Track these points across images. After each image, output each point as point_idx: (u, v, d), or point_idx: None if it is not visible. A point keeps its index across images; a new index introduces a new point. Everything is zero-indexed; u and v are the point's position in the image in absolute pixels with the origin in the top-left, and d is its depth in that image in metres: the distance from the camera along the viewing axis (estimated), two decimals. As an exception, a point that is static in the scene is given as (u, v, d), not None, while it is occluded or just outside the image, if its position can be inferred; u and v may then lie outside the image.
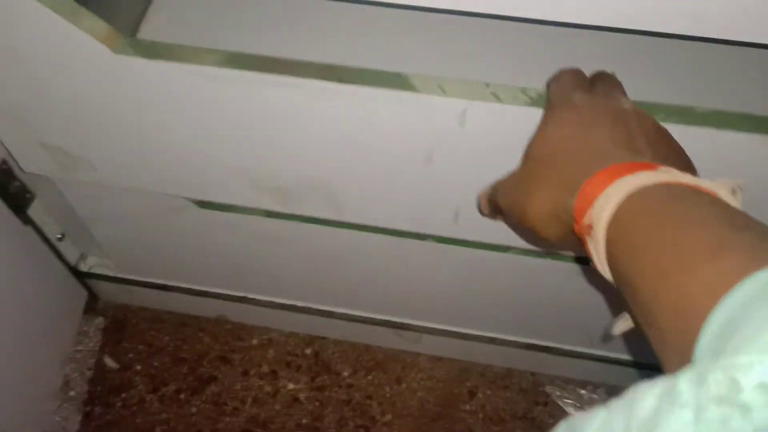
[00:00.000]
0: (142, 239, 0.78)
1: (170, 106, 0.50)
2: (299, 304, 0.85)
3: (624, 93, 0.38)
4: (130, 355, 0.91)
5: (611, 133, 0.33)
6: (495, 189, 0.40)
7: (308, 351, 0.91)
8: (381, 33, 0.56)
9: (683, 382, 0.19)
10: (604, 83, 0.38)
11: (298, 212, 0.59)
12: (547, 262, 0.64)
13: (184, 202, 0.67)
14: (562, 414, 0.86)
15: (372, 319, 0.84)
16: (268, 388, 0.89)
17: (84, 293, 0.92)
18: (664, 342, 0.25)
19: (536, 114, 0.40)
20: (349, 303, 0.83)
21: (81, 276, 0.89)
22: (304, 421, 0.86)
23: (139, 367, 0.90)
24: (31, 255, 0.78)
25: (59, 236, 0.81)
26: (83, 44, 0.44)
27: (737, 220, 0.26)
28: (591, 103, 0.36)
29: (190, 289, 0.87)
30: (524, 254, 0.63)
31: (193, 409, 0.87)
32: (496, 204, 0.39)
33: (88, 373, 0.90)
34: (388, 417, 0.87)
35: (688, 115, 0.41)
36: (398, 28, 0.56)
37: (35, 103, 0.53)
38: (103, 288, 0.92)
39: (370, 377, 0.89)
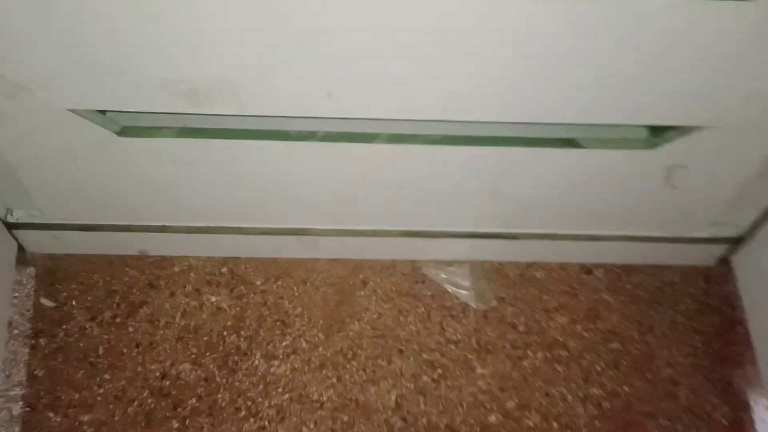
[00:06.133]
0: (68, 179, 0.91)
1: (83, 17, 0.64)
2: (212, 224, 1.01)
3: None
4: (65, 294, 1.03)
5: None
6: None
7: (224, 270, 1.08)
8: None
9: None
10: None
11: (209, 111, 0.76)
12: (403, 148, 0.85)
13: (107, 134, 0.82)
14: (437, 287, 1.08)
15: (276, 229, 1.02)
16: (194, 303, 1.04)
17: (14, 244, 1.03)
18: None
19: None
20: (255, 217, 1.00)
21: (9, 227, 1.00)
22: (229, 323, 1.03)
23: (74, 303, 1.03)
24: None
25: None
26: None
27: None
28: None
29: (114, 225, 1.00)
30: (389, 142, 0.83)
31: (130, 329, 1.02)
32: None
33: (28, 314, 1.02)
34: (299, 310, 1.05)
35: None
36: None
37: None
38: (31, 238, 1.03)
39: (279, 282, 1.07)
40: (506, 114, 0.79)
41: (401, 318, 1.05)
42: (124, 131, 0.83)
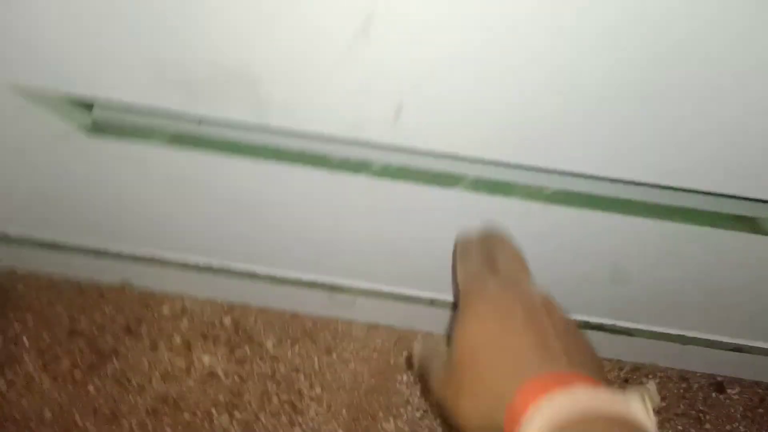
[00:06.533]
0: (19, 184, 0.65)
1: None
2: (215, 263, 0.74)
3: (528, 274, 0.41)
4: (16, 326, 0.78)
5: (526, 336, 0.35)
6: (428, 366, 0.41)
7: (227, 320, 0.81)
8: None
9: None
10: (507, 261, 0.41)
11: (212, 113, 0.49)
12: (493, 200, 0.56)
13: (70, 129, 0.56)
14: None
15: (300, 280, 0.74)
16: (180, 363, 0.78)
17: (-42, 255, 0.79)
18: None
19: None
20: (273, 261, 0.73)
21: (-47, 234, 0.75)
22: (221, 397, 0.76)
23: (26, 340, 0.77)
24: None
25: None
26: None
27: None
28: (503, 293, 0.38)
29: (87, 248, 0.75)
30: (474, 189, 0.55)
31: (91, 389, 0.76)
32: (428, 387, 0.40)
33: (-37, 349, 0.77)
34: (317, 391, 0.77)
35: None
36: None
37: None
38: (-17, 249, 0.78)
39: (296, 348, 0.80)
40: (663, 175, 0.49)
41: (454, 422, 0.76)
42: (96, 128, 0.57)
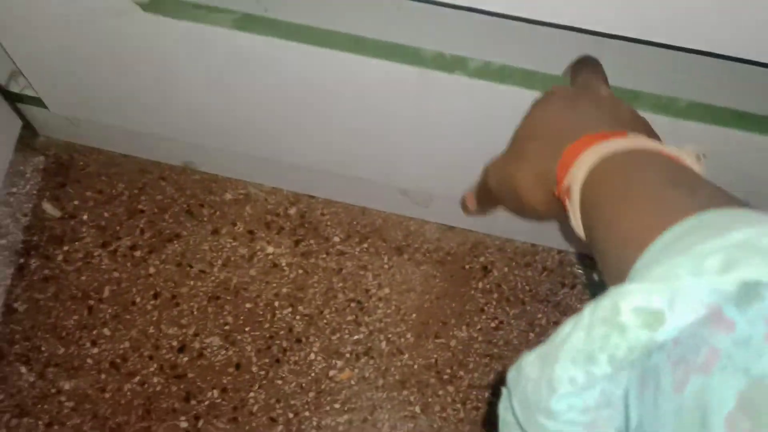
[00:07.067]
0: (73, 65, 0.59)
1: None
2: (284, 158, 0.68)
3: (604, 81, 0.42)
4: (76, 202, 0.75)
5: (589, 111, 0.37)
6: (485, 173, 0.42)
7: (293, 211, 0.76)
8: None
9: (586, 309, 0.23)
10: (586, 72, 0.43)
11: None
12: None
13: (127, 3, 0.49)
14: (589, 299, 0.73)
15: (373, 182, 0.68)
16: (242, 251, 0.73)
17: (18, 122, 0.75)
18: (610, 277, 0.29)
19: None
20: (344, 162, 0.66)
21: (12, 99, 0.71)
22: (284, 290, 0.72)
23: (85, 217, 0.74)
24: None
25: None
26: None
27: (679, 178, 0.30)
28: (571, 90, 0.41)
29: (147, 133, 0.69)
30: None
31: (152, 270, 0.72)
32: (486, 190, 0.42)
33: (24, 220, 0.74)
34: (386, 291, 0.72)
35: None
36: None
37: None
38: (43, 118, 0.74)
39: (365, 245, 0.74)
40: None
41: (531, 335, 0.71)
42: (155, 5, 0.50)
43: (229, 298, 0.71)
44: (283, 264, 0.73)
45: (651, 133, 0.36)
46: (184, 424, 0.66)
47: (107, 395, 0.67)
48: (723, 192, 0.28)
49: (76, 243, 0.73)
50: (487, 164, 0.42)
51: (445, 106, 0.53)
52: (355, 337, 0.70)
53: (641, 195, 0.29)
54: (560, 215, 0.36)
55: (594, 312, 0.23)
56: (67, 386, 0.67)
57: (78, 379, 0.67)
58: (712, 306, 0.20)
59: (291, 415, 0.67)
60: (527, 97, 0.43)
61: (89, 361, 0.68)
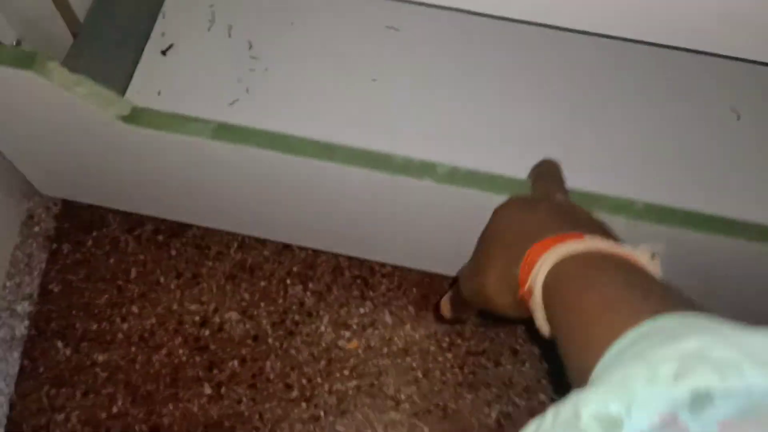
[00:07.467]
0: (64, 160, 0.64)
1: None
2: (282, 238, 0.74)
3: (562, 186, 0.46)
4: (102, 192, 0.81)
5: (548, 215, 0.40)
6: (458, 283, 0.46)
7: (302, 196, 0.82)
8: None
9: (549, 412, 0.24)
10: (545, 178, 0.47)
11: None
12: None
13: (109, 115, 0.52)
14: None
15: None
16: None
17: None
18: (573, 377, 0.30)
19: None
20: (324, 243, 0.72)
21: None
22: (295, 269, 0.79)
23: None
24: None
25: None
26: None
27: (633, 280, 0.31)
28: (530, 197, 0.45)
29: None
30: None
31: (173, 252, 0.79)
32: (460, 297, 0.46)
33: (55, 209, 0.81)
34: (388, 268, 0.79)
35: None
36: None
37: None
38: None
39: (369, 226, 0.80)
40: None
41: (523, 306, 0.77)
42: (134, 117, 0.53)
43: (245, 276, 0.78)
44: (293, 245, 0.79)
45: (607, 234, 0.38)
46: (208, 391, 0.73)
47: (137, 366, 0.73)
48: (676, 293, 0.30)
49: (104, 229, 0.80)
50: (458, 272, 0.45)
51: (416, 208, 0.56)
52: (362, 310, 0.77)
53: (597, 298, 0.31)
54: (528, 315, 0.37)
55: (557, 417, 0.23)
56: (101, 358, 0.74)
57: (110, 352, 0.74)
58: (667, 412, 0.21)
59: (305, 382, 0.73)
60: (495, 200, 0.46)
61: (120, 335, 0.75)
